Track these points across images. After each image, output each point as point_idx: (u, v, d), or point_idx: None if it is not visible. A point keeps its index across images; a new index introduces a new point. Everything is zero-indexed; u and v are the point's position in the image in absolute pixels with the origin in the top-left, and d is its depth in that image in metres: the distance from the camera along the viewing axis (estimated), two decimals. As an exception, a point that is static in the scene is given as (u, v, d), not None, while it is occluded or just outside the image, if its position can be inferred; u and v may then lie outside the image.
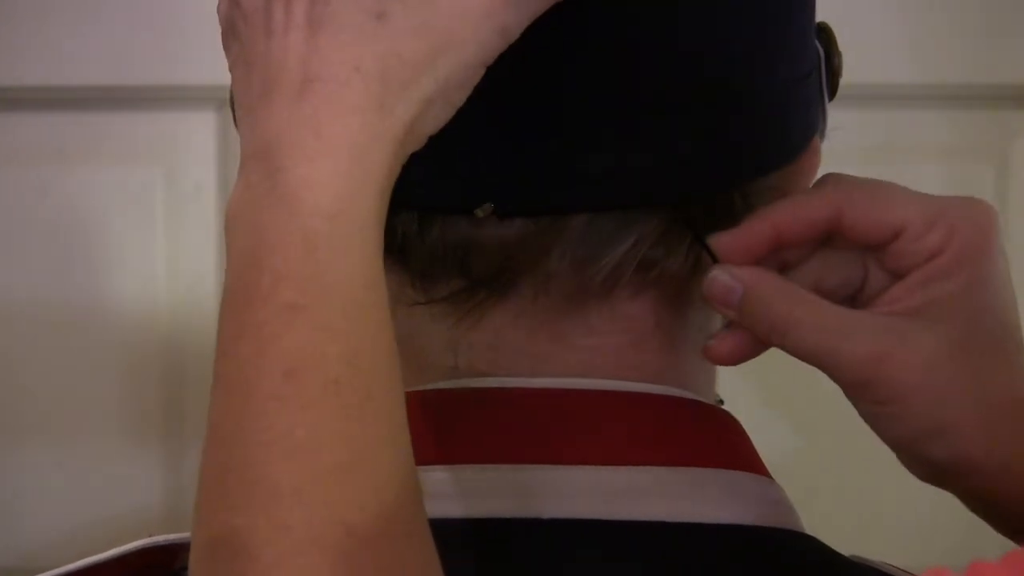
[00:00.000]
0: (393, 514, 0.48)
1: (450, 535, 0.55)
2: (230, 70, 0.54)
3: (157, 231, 1.27)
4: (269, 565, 0.47)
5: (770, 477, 0.60)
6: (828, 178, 0.59)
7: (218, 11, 0.55)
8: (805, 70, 0.60)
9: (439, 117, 0.53)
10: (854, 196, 0.57)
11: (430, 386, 0.59)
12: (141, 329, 1.25)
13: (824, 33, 0.63)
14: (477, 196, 0.56)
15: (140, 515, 1.27)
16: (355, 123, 0.50)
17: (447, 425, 0.58)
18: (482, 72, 0.53)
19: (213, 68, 1.21)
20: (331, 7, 0.51)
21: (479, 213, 0.56)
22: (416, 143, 0.52)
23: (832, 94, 0.63)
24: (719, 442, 0.59)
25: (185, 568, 0.49)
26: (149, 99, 1.26)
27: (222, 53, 0.54)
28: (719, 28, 0.56)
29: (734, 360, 0.59)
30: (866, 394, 0.56)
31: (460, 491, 0.56)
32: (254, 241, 0.50)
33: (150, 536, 0.61)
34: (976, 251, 0.56)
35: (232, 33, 0.54)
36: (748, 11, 0.57)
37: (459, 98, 0.53)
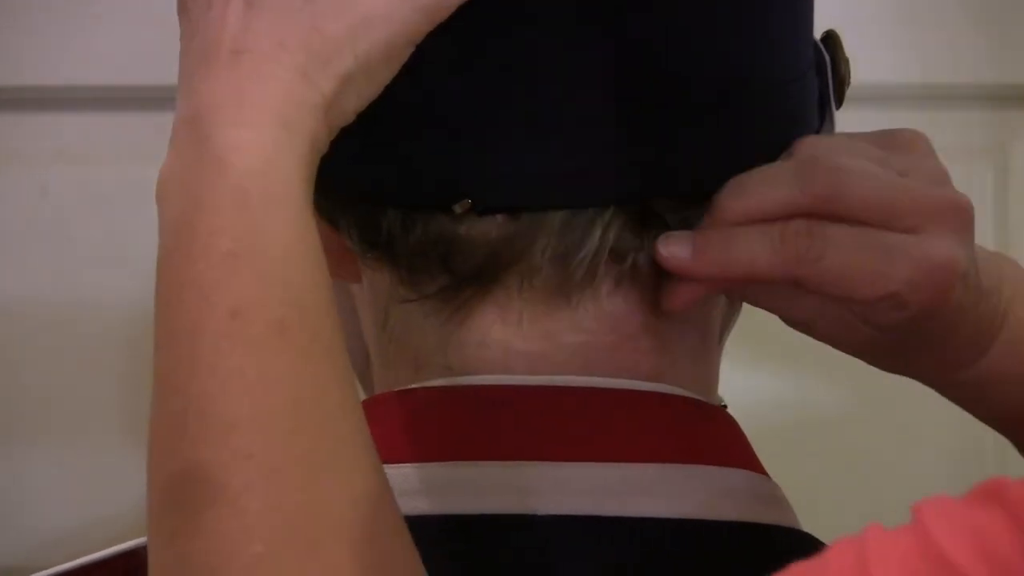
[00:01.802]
0: (349, 443, 0.50)
1: (444, 531, 0.55)
2: (180, 41, 0.56)
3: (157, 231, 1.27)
4: (239, 491, 0.48)
5: (766, 474, 0.60)
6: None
7: None
8: (796, 72, 0.60)
9: (363, 93, 0.54)
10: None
11: (425, 384, 0.59)
12: (141, 329, 1.25)
13: (831, 40, 0.63)
14: (452, 193, 0.56)
15: (140, 515, 1.26)
16: (278, 92, 0.52)
17: (442, 422, 0.58)
18: (409, 50, 0.54)
19: (213, 68, 1.21)
20: None
21: (457, 209, 0.56)
22: (343, 118, 0.54)
23: (839, 102, 0.63)
24: (714, 439, 0.59)
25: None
26: (149, 99, 1.25)
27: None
28: (680, 26, 0.56)
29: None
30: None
31: (455, 488, 0.57)
32: (187, 205, 0.52)
33: None
34: (932, 308, 0.58)
35: (183, 7, 0.56)
36: (718, 8, 0.57)
37: (384, 75, 0.54)
